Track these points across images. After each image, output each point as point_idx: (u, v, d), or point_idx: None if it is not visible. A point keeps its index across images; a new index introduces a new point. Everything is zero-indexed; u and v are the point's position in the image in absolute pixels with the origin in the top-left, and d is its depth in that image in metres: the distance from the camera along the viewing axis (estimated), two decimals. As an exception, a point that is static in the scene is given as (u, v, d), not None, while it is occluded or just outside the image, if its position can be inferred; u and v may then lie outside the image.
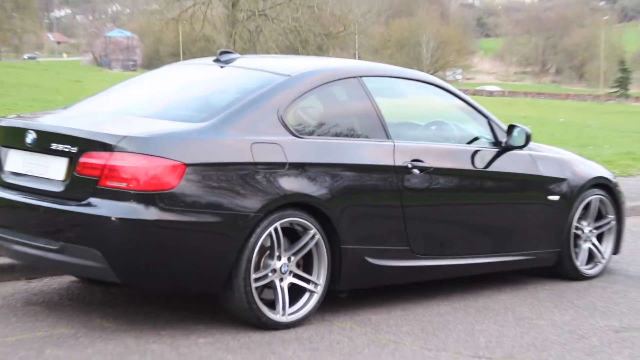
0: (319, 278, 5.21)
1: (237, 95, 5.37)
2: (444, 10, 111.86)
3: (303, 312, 5.13)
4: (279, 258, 5.04)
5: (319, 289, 5.21)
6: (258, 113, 5.20)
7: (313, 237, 5.12)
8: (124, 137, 4.74)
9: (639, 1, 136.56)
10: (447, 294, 6.01)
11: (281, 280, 5.07)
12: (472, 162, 6.07)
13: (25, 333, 4.77)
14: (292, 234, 5.11)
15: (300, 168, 5.12)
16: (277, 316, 5.01)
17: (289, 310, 5.07)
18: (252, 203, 4.88)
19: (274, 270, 5.03)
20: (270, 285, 5.04)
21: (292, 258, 5.10)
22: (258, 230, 4.89)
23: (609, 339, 5.19)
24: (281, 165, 5.04)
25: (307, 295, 5.18)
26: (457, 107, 6.43)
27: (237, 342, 4.75)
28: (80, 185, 4.78)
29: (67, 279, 5.90)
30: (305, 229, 5.11)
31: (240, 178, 4.89)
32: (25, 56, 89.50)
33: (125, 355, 4.46)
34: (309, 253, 5.17)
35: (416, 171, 5.63)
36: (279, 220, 4.99)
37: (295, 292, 5.15)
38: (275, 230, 4.98)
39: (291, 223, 5.06)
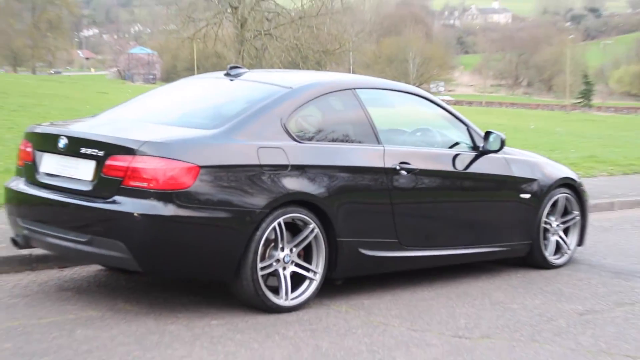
0: (318, 267, 5.20)
1: (245, 105, 5.35)
2: (428, 30, 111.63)
3: (303, 297, 5.12)
4: (282, 249, 5.03)
5: (318, 277, 5.20)
6: (264, 121, 5.19)
7: (312, 230, 5.11)
8: (145, 142, 4.73)
9: (600, 22, 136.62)
10: (431, 281, 5.99)
11: (284, 269, 5.06)
12: (453, 165, 6.05)
13: (58, 315, 4.76)
14: (293, 228, 5.09)
15: (301, 169, 5.11)
16: (280, 301, 5.00)
17: (291, 295, 5.06)
18: (258, 201, 4.87)
19: (277, 260, 5.02)
20: (275, 274, 5.02)
21: (294, 249, 5.09)
22: (264, 225, 4.88)
23: (574, 321, 5.18)
24: (284, 167, 5.03)
25: (307, 282, 5.16)
26: (440, 115, 6.41)
27: (245, 324, 4.74)
28: (106, 184, 4.77)
29: (95, 268, 5.88)
30: (306, 224, 5.10)
31: (247, 178, 4.87)
32: (52, 71, 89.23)
33: (146, 335, 4.45)
34: (309, 245, 5.15)
35: (404, 172, 5.61)
36: (282, 215, 4.98)
37: (297, 280, 5.13)
38: (279, 224, 4.97)
39: (293, 218, 5.05)
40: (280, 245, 5.02)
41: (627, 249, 7.61)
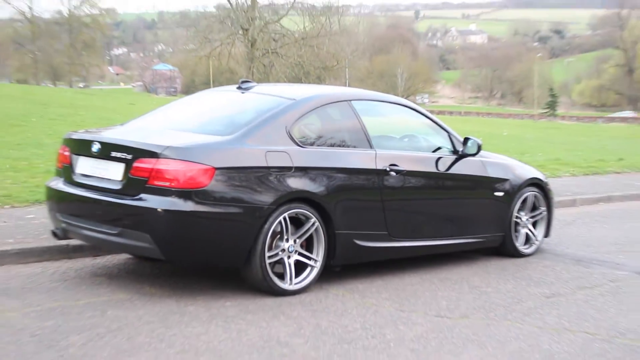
0: (318, 256, 5.19)
1: (254, 114, 5.34)
2: (414, 49, 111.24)
3: (305, 282, 5.11)
4: (287, 240, 5.02)
5: (318, 265, 5.19)
6: (271, 128, 5.18)
7: (313, 224, 5.10)
8: (168, 147, 4.72)
9: (564, 42, 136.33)
10: (417, 268, 5.99)
11: (289, 257, 5.05)
12: (436, 166, 6.04)
13: (92, 298, 4.76)
14: (297, 222, 5.08)
15: (303, 171, 5.10)
16: (285, 285, 5.00)
17: (294, 281, 5.05)
18: (266, 198, 4.86)
19: (283, 250, 5.01)
20: (280, 262, 5.02)
21: (297, 240, 5.08)
22: (271, 219, 4.87)
23: (541, 303, 5.18)
24: (288, 169, 5.02)
25: (308, 269, 5.16)
26: (424, 123, 6.40)
27: (255, 305, 4.74)
28: (133, 184, 4.76)
29: (124, 257, 5.88)
30: (307, 218, 5.09)
31: (257, 179, 4.87)
32: (81, 85, 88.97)
33: (168, 315, 4.45)
34: (310, 236, 5.14)
35: (393, 173, 5.61)
36: (287, 211, 4.97)
37: (300, 267, 5.13)
38: (284, 219, 4.96)
39: (296, 213, 5.04)
40: (285, 237, 5.02)
41: (587, 239, 7.59)
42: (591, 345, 4.30)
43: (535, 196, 6.82)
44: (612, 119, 71.80)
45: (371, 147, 5.64)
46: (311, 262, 5.16)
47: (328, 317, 4.59)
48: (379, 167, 5.55)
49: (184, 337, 4.09)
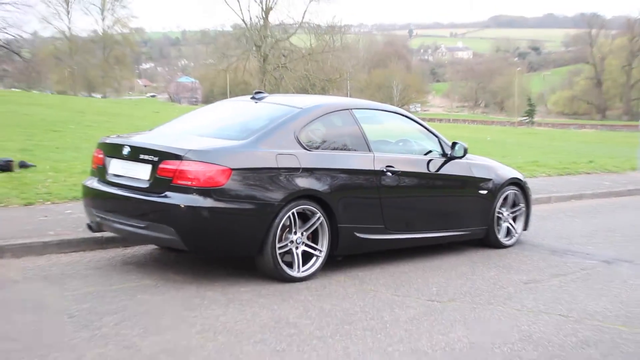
0: (323, 247, 5.18)
1: (267, 121, 5.33)
2: (408, 63, 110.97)
3: (311, 270, 5.10)
4: (295, 233, 5.01)
5: (323, 255, 5.18)
6: (281, 134, 5.17)
7: (319, 219, 5.09)
8: (190, 150, 4.72)
9: (541, 58, 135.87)
10: (411, 257, 5.97)
11: (296, 248, 5.04)
12: (427, 167, 6.02)
13: (123, 283, 4.77)
14: (304, 217, 5.07)
15: (310, 171, 5.09)
16: (293, 273, 4.99)
17: (302, 269, 5.05)
18: (276, 195, 4.85)
19: (291, 241, 5.00)
20: (289, 252, 5.01)
21: (304, 233, 5.07)
22: (281, 214, 4.87)
23: (520, 288, 5.16)
24: (296, 169, 5.01)
25: (314, 259, 5.15)
26: (417, 129, 6.38)
27: (266, 290, 4.74)
28: (159, 183, 4.76)
29: (151, 247, 5.88)
30: (313, 213, 5.08)
31: (268, 178, 4.86)
32: (112, 95, 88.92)
33: (189, 299, 4.45)
34: (316, 230, 5.13)
35: (389, 174, 5.59)
36: (295, 207, 4.96)
37: (306, 257, 5.12)
38: (293, 214, 4.95)
39: (303, 209, 5.03)
40: (293, 230, 5.01)
41: (561, 232, 7.55)
42: (564, 326, 4.28)
43: (515, 194, 6.79)
44: (583, 126, 71.60)
45: (370, 150, 5.62)
46: (316, 253, 5.15)
47: (331, 301, 4.58)
48: (377, 168, 5.53)
49: (204, 319, 4.09)
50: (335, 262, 5.42)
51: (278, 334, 3.89)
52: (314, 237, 5.16)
